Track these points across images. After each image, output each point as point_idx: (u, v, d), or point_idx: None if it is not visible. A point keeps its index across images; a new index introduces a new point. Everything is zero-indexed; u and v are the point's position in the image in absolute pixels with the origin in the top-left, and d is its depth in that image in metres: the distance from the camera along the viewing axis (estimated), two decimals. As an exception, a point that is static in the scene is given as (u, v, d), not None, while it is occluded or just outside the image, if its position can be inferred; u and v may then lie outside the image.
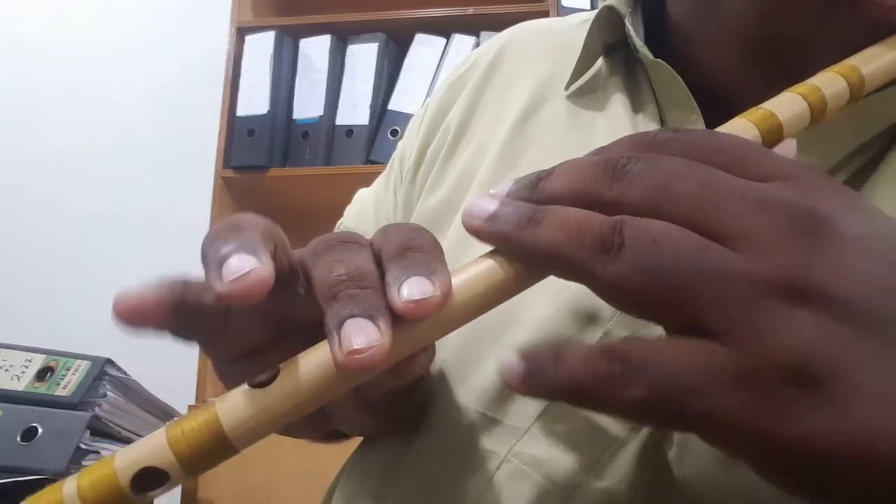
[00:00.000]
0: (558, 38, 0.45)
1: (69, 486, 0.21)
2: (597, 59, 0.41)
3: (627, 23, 0.39)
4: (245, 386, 0.22)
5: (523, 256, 0.22)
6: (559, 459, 0.30)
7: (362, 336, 0.21)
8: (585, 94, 0.40)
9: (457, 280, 0.23)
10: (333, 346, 0.21)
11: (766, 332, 0.18)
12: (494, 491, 0.31)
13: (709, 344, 0.19)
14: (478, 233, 0.23)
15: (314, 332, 0.23)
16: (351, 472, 0.38)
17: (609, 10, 0.40)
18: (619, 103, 0.39)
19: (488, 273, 0.23)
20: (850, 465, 0.18)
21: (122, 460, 0.21)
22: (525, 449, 0.31)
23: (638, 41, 0.38)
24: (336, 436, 0.39)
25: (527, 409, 0.32)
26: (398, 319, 0.22)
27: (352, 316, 0.21)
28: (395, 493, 0.34)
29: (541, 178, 0.23)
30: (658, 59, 0.36)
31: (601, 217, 0.21)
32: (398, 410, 0.32)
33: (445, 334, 0.23)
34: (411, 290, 0.22)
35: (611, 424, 0.30)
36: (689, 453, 0.29)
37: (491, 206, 0.23)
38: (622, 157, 0.21)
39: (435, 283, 0.22)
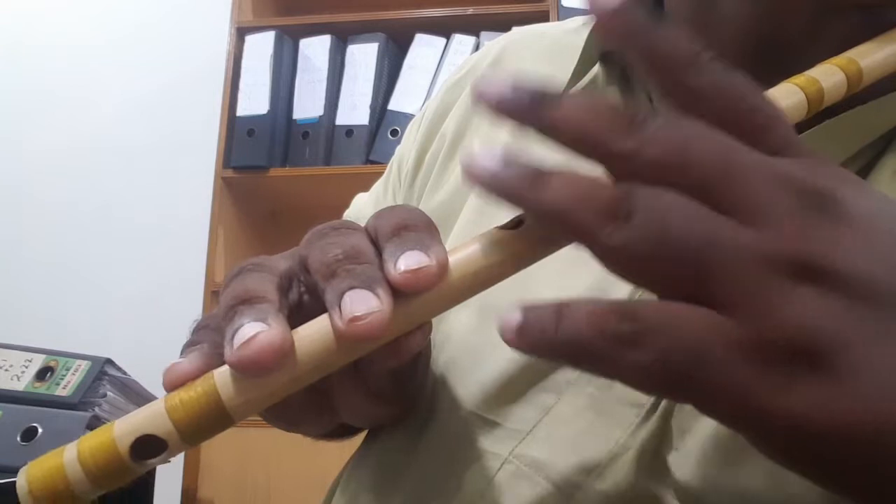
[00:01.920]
0: (554, 43, 0.45)
1: (70, 451, 0.21)
2: (593, 65, 0.41)
3: None
4: None
5: (526, 210, 0.21)
6: (560, 462, 0.30)
7: (362, 304, 0.21)
8: None
9: (454, 257, 0.23)
10: (334, 318, 0.22)
11: (775, 307, 0.18)
12: (495, 492, 0.31)
13: (717, 315, 0.18)
14: (480, 180, 0.21)
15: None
16: (353, 471, 0.38)
17: None
18: None
19: (486, 250, 0.23)
20: (852, 442, 0.18)
21: (122, 428, 0.21)
22: (526, 451, 0.31)
23: None
24: (340, 433, 0.40)
25: (528, 412, 0.32)
26: (395, 294, 0.22)
27: (351, 288, 0.22)
28: (398, 493, 0.34)
29: (546, 99, 0.21)
30: None
31: (609, 184, 0.20)
32: (400, 395, 0.32)
33: (443, 310, 0.23)
34: (408, 261, 0.22)
35: (611, 427, 0.30)
36: (688, 456, 0.29)
37: (495, 154, 0.21)
38: (641, 112, 0.20)
39: (431, 256, 0.22)
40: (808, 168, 0.20)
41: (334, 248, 0.24)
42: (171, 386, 0.22)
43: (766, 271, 0.18)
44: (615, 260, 0.20)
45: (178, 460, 1.18)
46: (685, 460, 0.29)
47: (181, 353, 0.24)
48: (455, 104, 0.46)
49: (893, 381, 0.18)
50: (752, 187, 0.19)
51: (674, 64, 0.21)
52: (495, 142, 0.41)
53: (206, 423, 0.21)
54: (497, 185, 0.21)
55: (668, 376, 0.18)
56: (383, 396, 0.29)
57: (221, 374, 0.22)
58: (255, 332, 0.21)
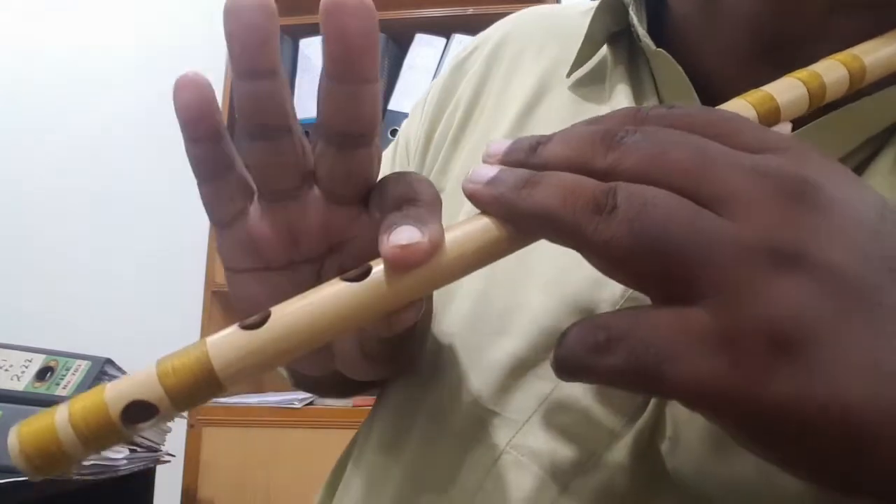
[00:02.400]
0: (562, 24, 0.45)
1: (61, 412, 0.21)
2: (600, 47, 0.41)
3: (631, 11, 0.39)
4: (236, 326, 0.22)
5: (517, 218, 0.23)
6: (556, 451, 0.31)
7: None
8: (589, 85, 0.40)
9: (450, 235, 0.23)
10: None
11: (751, 296, 0.18)
12: (492, 481, 0.31)
13: (690, 310, 0.19)
14: (476, 196, 0.24)
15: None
16: (352, 463, 0.39)
17: None
18: (622, 94, 0.39)
19: (482, 230, 0.23)
20: (828, 431, 0.18)
21: (112, 392, 0.21)
22: (523, 441, 0.32)
23: (641, 30, 0.38)
24: (334, 387, 0.40)
25: (525, 402, 0.32)
26: (391, 271, 0.22)
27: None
28: (396, 483, 0.34)
29: (540, 142, 0.24)
30: (660, 49, 0.36)
31: (595, 181, 0.21)
32: (395, 359, 0.33)
33: (437, 287, 0.23)
34: (399, 236, 0.22)
35: (606, 417, 0.31)
36: (681, 446, 0.29)
37: (490, 171, 0.24)
38: (620, 128, 0.22)
39: (424, 233, 0.22)
40: (787, 159, 0.20)
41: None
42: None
43: (741, 261, 0.19)
44: (601, 254, 0.20)
45: (178, 460, 1.18)
46: (679, 450, 0.29)
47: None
48: (462, 83, 0.46)
49: (868, 368, 0.18)
50: (729, 179, 0.20)
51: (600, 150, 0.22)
52: (499, 129, 0.41)
53: (196, 390, 0.21)
54: (490, 198, 0.23)
55: (640, 376, 0.19)
56: (374, 358, 0.30)
57: (213, 342, 0.22)
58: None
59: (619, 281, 0.22)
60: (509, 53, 0.45)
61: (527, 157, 0.24)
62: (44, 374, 0.95)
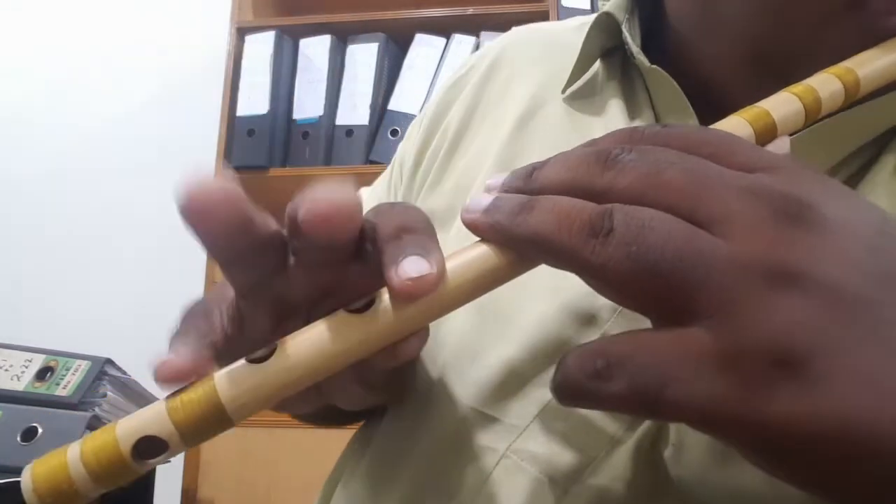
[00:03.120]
0: (556, 41, 0.45)
1: (73, 450, 0.21)
2: (593, 62, 0.41)
3: (624, 29, 0.39)
4: (243, 361, 0.22)
5: (514, 244, 0.23)
6: (556, 456, 0.31)
7: (327, 192, 0.22)
8: (582, 99, 0.41)
9: (452, 263, 0.23)
10: (301, 212, 0.22)
11: (750, 315, 0.18)
12: (492, 485, 0.31)
13: (689, 331, 0.19)
14: (474, 225, 0.24)
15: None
16: (351, 467, 0.39)
17: (606, 16, 0.40)
18: (616, 108, 0.39)
19: (481, 258, 0.23)
20: (832, 447, 0.18)
21: (123, 428, 0.21)
22: (523, 445, 0.32)
23: (635, 48, 0.38)
24: (326, 418, 0.40)
25: (525, 408, 0.32)
26: (396, 301, 0.23)
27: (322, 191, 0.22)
28: (397, 488, 0.34)
29: (536, 168, 0.24)
30: (654, 66, 0.36)
31: (591, 204, 0.21)
32: (392, 386, 0.33)
33: (441, 315, 0.23)
34: (409, 267, 0.22)
35: (607, 423, 0.31)
36: (685, 452, 0.29)
37: (487, 200, 0.24)
38: (614, 148, 0.22)
39: (432, 263, 0.22)
40: (782, 178, 0.20)
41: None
42: (164, 380, 0.22)
43: (738, 280, 0.19)
44: (599, 277, 0.20)
45: (178, 460, 1.18)
46: (681, 456, 0.29)
47: (169, 344, 0.24)
48: (456, 101, 0.46)
49: (870, 383, 0.18)
50: (724, 200, 0.20)
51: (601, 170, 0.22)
52: (493, 143, 0.41)
53: (206, 425, 0.22)
54: (487, 225, 0.23)
55: (642, 401, 0.19)
56: (375, 387, 0.29)
57: (221, 377, 0.22)
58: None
59: (616, 302, 0.22)
60: (505, 70, 0.45)
61: (524, 183, 0.24)
62: (44, 374, 0.95)
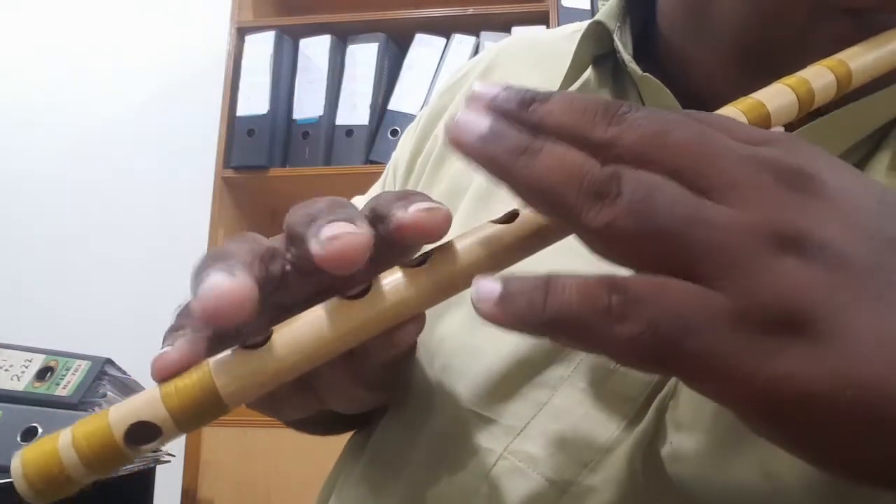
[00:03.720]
0: (549, 49, 0.45)
1: (64, 436, 0.21)
2: (585, 69, 0.41)
3: (616, 38, 0.39)
4: (238, 346, 0.22)
5: (511, 185, 0.21)
6: (554, 457, 0.31)
7: (337, 228, 0.22)
8: None
9: (450, 248, 0.23)
10: (313, 247, 0.22)
11: (758, 277, 0.18)
12: (490, 486, 0.31)
13: (702, 288, 0.19)
14: (465, 149, 0.22)
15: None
16: (349, 469, 0.38)
17: (598, 25, 0.40)
18: None
19: (481, 244, 0.24)
20: (835, 407, 0.18)
21: (116, 414, 0.21)
22: (521, 447, 0.32)
23: (626, 56, 0.38)
24: (321, 424, 0.40)
25: (523, 409, 0.32)
26: (390, 283, 0.23)
27: (329, 222, 0.22)
28: (394, 490, 0.34)
29: (535, 99, 0.22)
30: (646, 74, 0.36)
31: (598, 165, 0.20)
32: (389, 384, 0.32)
33: (438, 302, 0.24)
34: (420, 205, 0.23)
35: (605, 423, 0.31)
36: (683, 451, 0.29)
37: (483, 124, 0.22)
38: (623, 104, 0.21)
39: (440, 205, 0.23)
40: (783, 150, 0.21)
41: (315, 204, 0.24)
42: (161, 376, 0.22)
43: (746, 244, 0.19)
44: (601, 239, 0.20)
45: (178, 460, 1.18)
46: (679, 454, 0.29)
47: (164, 339, 0.24)
48: (449, 107, 0.46)
49: (879, 344, 0.18)
50: (729, 166, 0.20)
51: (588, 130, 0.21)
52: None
53: (200, 410, 0.22)
54: (483, 156, 0.21)
55: (656, 347, 0.18)
56: (372, 385, 0.29)
57: (216, 362, 0.22)
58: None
59: (614, 262, 0.21)
60: (498, 76, 0.45)
61: (519, 110, 0.22)
62: (44, 374, 0.95)
